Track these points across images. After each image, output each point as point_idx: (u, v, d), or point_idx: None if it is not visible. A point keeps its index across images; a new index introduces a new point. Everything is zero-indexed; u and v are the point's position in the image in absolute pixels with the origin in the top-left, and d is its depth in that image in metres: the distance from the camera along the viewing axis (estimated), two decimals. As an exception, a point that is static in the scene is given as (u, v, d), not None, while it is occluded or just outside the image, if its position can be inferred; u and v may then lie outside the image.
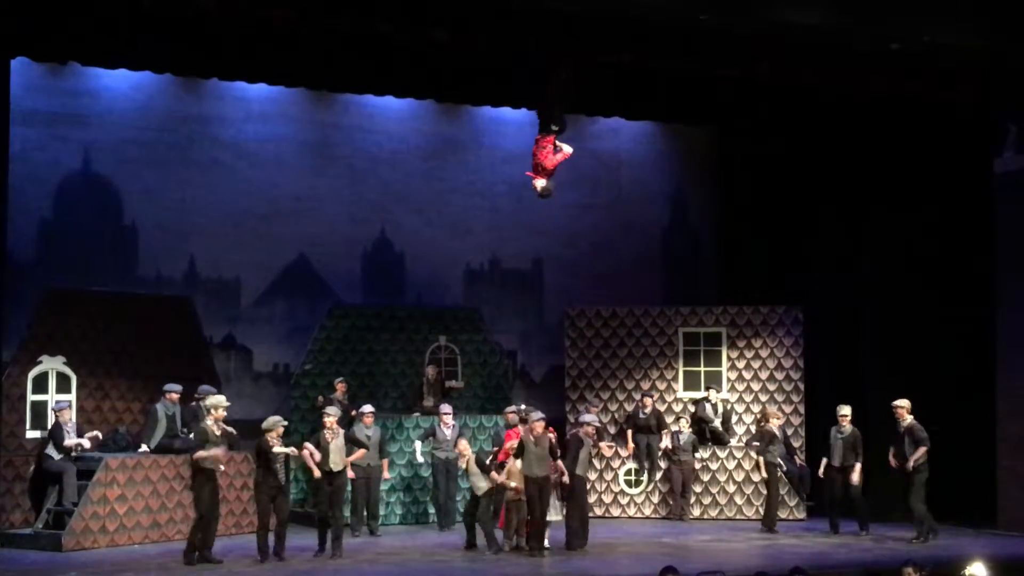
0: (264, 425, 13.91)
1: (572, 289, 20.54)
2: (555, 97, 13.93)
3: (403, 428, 17.29)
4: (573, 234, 20.87)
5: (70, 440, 14.90)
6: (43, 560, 13.91)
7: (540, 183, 13.81)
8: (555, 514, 14.93)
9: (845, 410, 16.39)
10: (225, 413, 13.88)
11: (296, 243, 19.13)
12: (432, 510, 17.03)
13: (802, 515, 17.61)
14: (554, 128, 13.79)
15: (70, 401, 15.57)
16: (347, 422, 15.95)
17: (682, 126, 21.07)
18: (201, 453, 13.49)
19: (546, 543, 14.84)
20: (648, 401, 18.04)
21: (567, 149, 13.84)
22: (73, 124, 17.66)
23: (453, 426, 16.50)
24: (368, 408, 16.03)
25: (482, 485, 14.57)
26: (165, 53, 15.80)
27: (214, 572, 13.28)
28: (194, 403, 15.88)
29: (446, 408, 16.72)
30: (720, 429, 18.14)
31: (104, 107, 17.85)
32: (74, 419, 15.54)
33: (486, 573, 13.52)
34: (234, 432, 14.00)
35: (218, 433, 13.67)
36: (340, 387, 17.06)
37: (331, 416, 14.58)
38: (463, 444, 15.28)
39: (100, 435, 15.28)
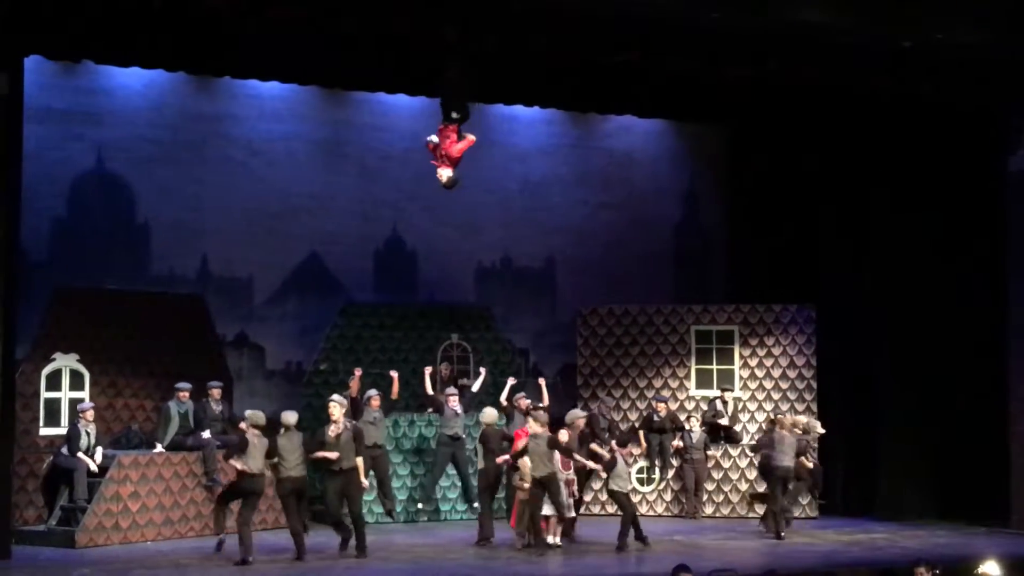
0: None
1: (584, 287, 20.51)
2: (455, 84, 13.56)
3: (415, 425, 17.31)
4: (585, 232, 20.84)
5: (81, 451, 14.93)
6: (57, 557, 13.96)
7: (446, 173, 13.40)
8: (568, 511, 14.96)
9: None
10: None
11: (308, 241, 19.15)
12: (444, 507, 17.12)
13: (815, 513, 17.59)
14: (455, 116, 13.43)
15: (93, 404, 15.58)
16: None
17: (694, 124, 21.04)
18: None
19: (557, 540, 14.87)
20: (662, 407, 18.00)
21: (470, 137, 13.44)
22: (86, 122, 17.69)
23: (459, 407, 16.66)
24: (374, 392, 16.26)
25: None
26: (178, 51, 15.80)
27: (226, 571, 13.32)
28: (204, 399, 15.95)
29: (452, 390, 16.81)
30: (731, 427, 18.11)
31: (117, 105, 17.88)
32: (93, 423, 15.58)
33: (499, 571, 13.54)
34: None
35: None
36: (354, 385, 17.07)
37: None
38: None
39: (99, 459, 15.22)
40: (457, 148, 13.37)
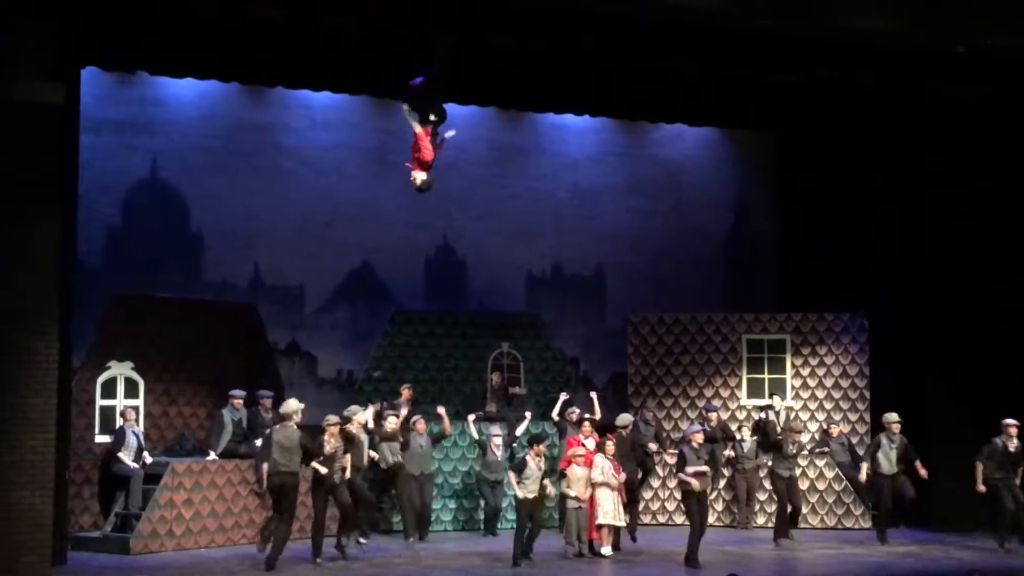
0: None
1: (634, 295, 20.47)
2: (432, 86, 13.37)
3: (466, 434, 17.32)
4: (635, 240, 20.82)
5: (126, 453, 15.13)
6: (112, 563, 14.10)
7: (420, 176, 13.32)
8: (620, 519, 14.95)
9: (895, 416, 16.20)
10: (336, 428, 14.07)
11: (359, 250, 19.23)
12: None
13: (867, 524, 17.44)
14: (433, 119, 13.30)
15: (136, 406, 15.79)
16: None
17: (745, 132, 20.97)
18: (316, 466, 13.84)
19: (608, 550, 14.84)
20: (713, 416, 17.86)
21: (446, 135, 13.32)
22: (141, 132, 17.88)
23: (501, 450, 16.57)
24: (419, 417, 16.32)
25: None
26: (231, 62, 15.97)
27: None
28: (255, 407, 16.05)
29: (496, 431, 16.73)
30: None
31: (171, 115, 18.06)
32: (141, 424, 15.78)
33: (548, 580, 13.57)
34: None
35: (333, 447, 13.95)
36: (405, 393, 17.09)
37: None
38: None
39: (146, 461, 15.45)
40: (432, 152, 13.22)
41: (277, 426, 13.88)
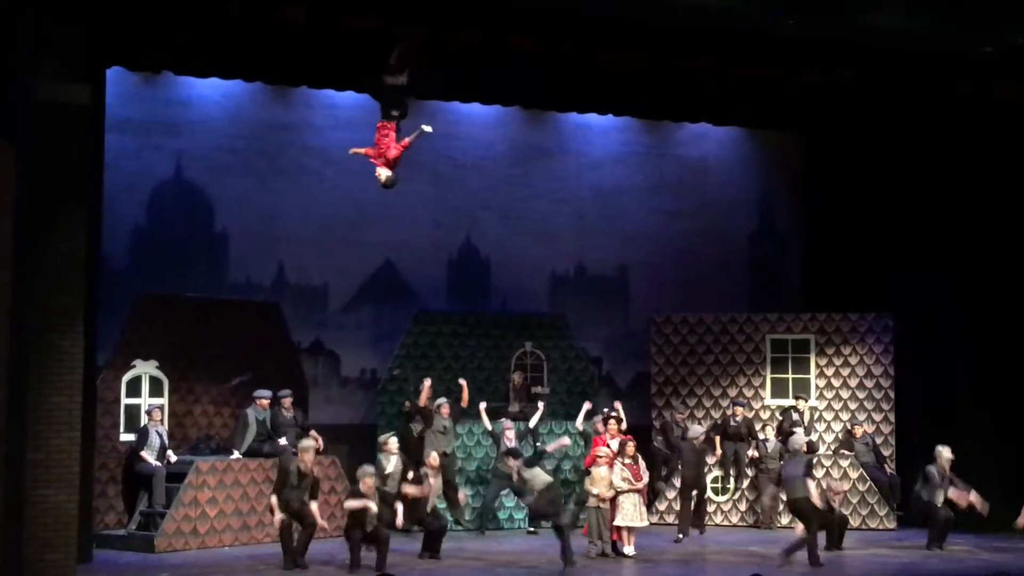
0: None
1: (658, 295, 20.42)
2: (394, 80, 13.22)
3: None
4: (659, 240, 20.78)
5: (148, 451, 15.22)
6: (136, 561, 14.19)
7: (384, 173, 13.15)
8: (639, 520, 14.93)
9: (948, 454, 15.67)
10: (312, 456, 13.86)
11: (382, 249, 19.25)
12: (519, 515, 17.14)
13: (892, 525, 17.37)
14: (394, 113, 13.13)
15: (161, 405, 15.89)
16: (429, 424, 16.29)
17: (769, 131, 20.91)
18: (274, 500, 13.70)
19: (631, 550, 14.83)
20: (739, 410, 17.86)
21: (406, 140, 13.16)
22: (166, 132, 17.93)
23: (515, 440, 16.56)
24: (444, 400, 16.42)
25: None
26: (256, 62, 16.03)
27: None
28: (276, 407, 16.08)
29: (508, 423, 16.75)
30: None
31: (196, 116, 18.11)
32: (165, 423, 15.86)
33: (572, 579, 13.55)
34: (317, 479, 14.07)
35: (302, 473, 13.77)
36: (424, 395, 17.11)
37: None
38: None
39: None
40: (396, 147, 13.04)
41: None
